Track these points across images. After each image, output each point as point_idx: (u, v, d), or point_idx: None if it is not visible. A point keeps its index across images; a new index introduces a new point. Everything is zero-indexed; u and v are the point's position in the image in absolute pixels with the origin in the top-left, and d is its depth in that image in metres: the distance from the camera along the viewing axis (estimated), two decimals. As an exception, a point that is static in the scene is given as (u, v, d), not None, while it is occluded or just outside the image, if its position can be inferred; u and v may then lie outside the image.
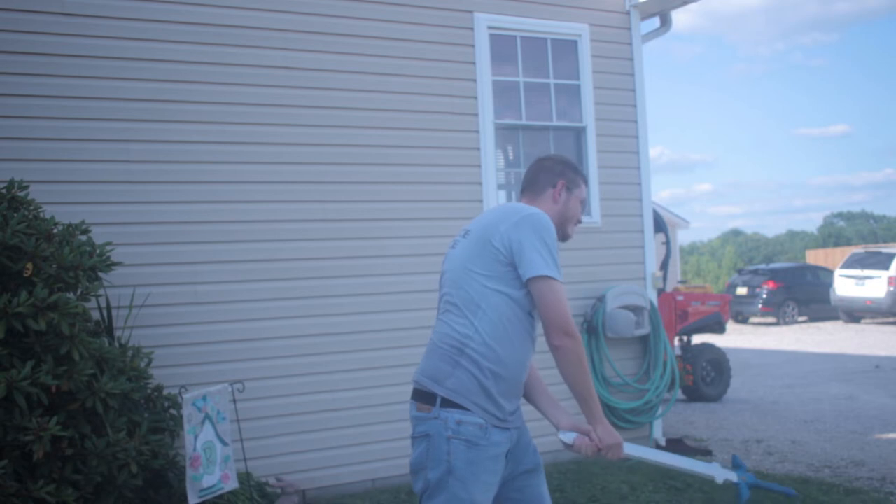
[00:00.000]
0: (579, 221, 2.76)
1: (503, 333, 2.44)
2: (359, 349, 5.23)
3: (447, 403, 2.42)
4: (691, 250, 52.94)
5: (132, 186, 4.72)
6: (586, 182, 2.78)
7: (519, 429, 2.57)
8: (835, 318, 19.72)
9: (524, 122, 6.03)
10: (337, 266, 5.23)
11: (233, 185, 4.98)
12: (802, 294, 19.93)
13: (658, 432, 6.36)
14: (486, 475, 2.42)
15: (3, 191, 3.76)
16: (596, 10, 6.29)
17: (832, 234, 52.78)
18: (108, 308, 4.32)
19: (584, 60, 6.19)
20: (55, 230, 3.73)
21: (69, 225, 3.86)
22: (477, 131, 5.76)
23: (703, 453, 6.30)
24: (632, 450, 2.61)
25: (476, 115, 5.76)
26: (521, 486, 2.59)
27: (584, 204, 2.77)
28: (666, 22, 6.64)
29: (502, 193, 6.05)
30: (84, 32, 4.63)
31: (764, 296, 19.48)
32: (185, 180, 4.86)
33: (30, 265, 3.50)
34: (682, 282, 21.80)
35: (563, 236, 2.70)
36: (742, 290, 19.91)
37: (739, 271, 22.76)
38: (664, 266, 8.58)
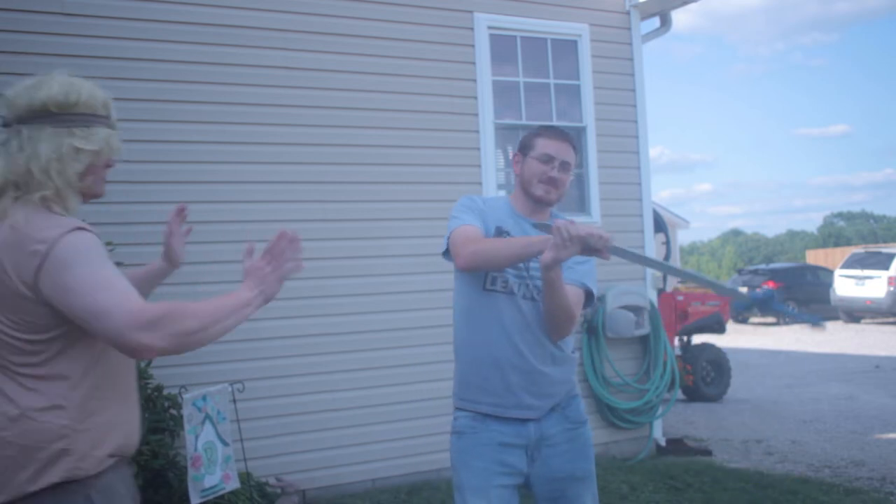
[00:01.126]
0: (550, 179, 2.51)
1: (470, 326, 2.55)
2: (359, 349, 5.22)
3: (455, 408, 2.59)
4: (691, 250, 52.97)
5: (132, 186, 4.71)
6: (552, 135, 2.55)
7: (539, 422, 2.51)
8: (835, 318, 19.71)
9: (524, 122, 6.02)
10: (337, 266, 5.23)
11: (233, 185, 4.98)
12: (802, 294, 19.93)
13: (658, 432, 6.36)
14: (477, 461, 2.47)
15: (3, 191, 3.75)
16: (596, 10, 6.28)
17: (832, 234, 52.85)
18: (108, 308, 4.31)
19: (584, 60, 6.19)
20: (55, 230, 3.72)
21: (69, 225, 3.85)
22: (477, 131, 5.76)
23: (704, 453, 6.31)
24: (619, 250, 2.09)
25: (476, 115, 5.76)
26: (555, 494, 2.53)
27: (550, 157, 2.51)
28: (666, 22, 6.64)
29: (502, 193, 6.05)
30: (84, 32, 4.63)
31: (764, 296, 19.48)
32: (185, 180, 4.86)
33: (30, 265, 3.49)
34: (683, 282, 21.78)
35: (537, 199, 2.53)
36: (742, 290, 19.90)
37: (739, 271, 22.78)
38: (664, 266, 8.57)
